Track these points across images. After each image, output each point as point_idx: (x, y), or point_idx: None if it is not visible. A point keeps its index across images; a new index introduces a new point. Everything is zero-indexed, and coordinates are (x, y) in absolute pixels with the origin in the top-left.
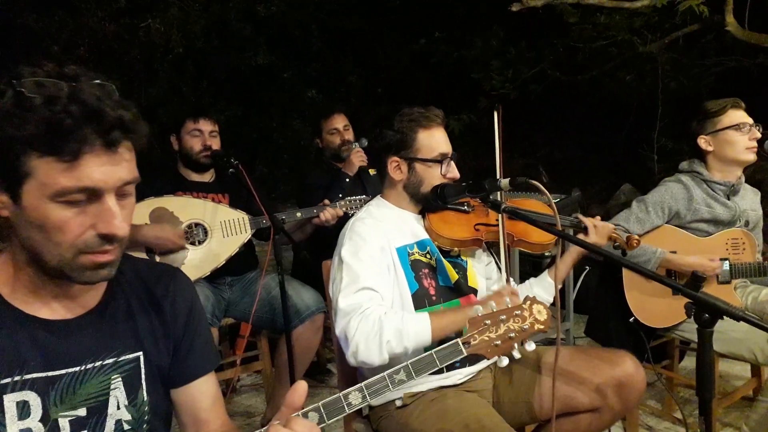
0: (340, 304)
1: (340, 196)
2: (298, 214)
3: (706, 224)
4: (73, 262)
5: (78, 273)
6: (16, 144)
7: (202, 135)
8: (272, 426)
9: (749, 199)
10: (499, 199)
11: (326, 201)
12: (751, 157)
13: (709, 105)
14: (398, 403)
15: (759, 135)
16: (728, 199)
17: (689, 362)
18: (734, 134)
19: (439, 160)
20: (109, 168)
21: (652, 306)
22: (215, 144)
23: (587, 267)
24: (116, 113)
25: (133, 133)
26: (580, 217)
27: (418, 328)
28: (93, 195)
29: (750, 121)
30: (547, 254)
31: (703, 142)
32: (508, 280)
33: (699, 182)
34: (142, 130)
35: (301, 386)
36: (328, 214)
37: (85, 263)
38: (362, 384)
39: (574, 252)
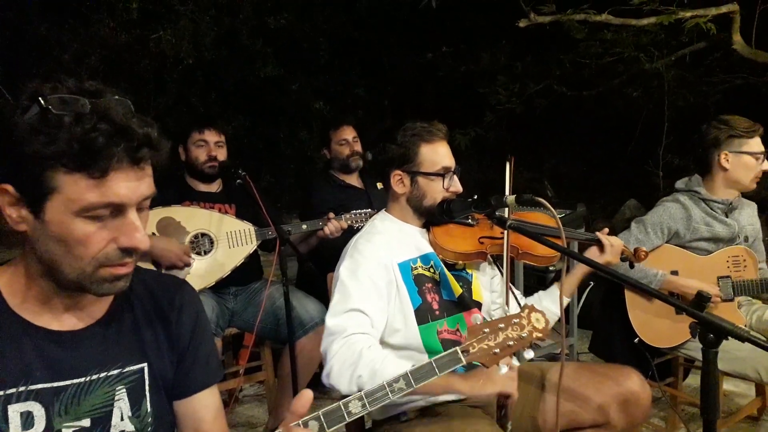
0: (327, 322)
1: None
2: (304, 227)
3: (706, 243)
4: (93, 275)
5: (96, 285)
6: (42, 160)
7: (207, 145)
8: None
9: (746, 213)
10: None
11: (331, 214)
12: (754, 186)
13: (739, 122)
14: (403, 417)
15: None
16: (727, 216)
17: (694, 380)
18: (753, 161)
19: (442, 173)
20: (134, 184)
21: (656, 326)
22: (220, 154)
23: (591, 282)
24: (143, 131)
25: (158, 150)
26: (599, 235)
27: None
28: (116, 210)
29: (763, 149)
30: (551, 268)
31: (723, 157)
32: (507, 299)
33: (697, 201)
34: (165, 147)
35: (307, 394)
36: (333, 226)
37: (104, 276)
38: (362, 392)
39: (583, 266)
